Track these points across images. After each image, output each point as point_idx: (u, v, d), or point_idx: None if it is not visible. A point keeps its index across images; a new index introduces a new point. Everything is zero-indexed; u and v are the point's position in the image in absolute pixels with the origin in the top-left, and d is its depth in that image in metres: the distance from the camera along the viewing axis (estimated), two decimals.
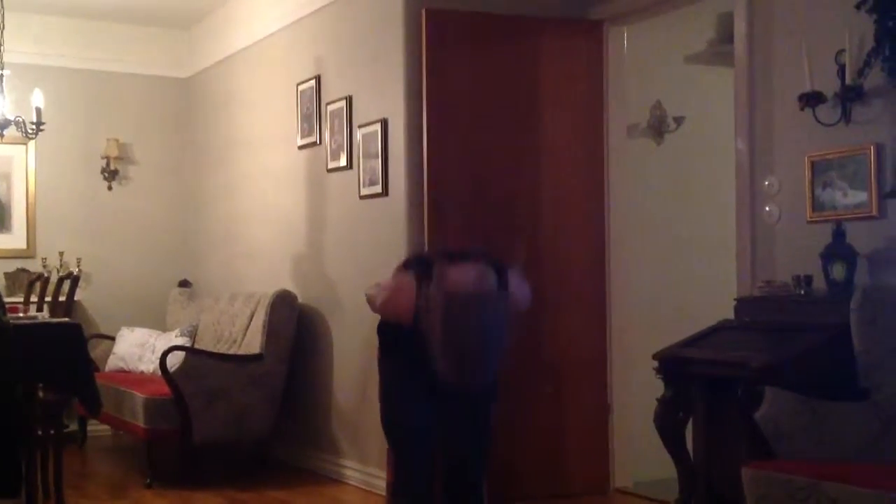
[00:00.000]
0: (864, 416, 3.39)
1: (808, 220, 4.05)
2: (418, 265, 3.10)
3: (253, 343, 5.76)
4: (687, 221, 5.33)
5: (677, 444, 3.94)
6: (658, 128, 5.50)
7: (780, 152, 4.20)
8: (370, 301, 3.25)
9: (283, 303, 5.75)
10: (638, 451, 4.91)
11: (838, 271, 3.77)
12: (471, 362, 2.94)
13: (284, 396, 5.74)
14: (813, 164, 4.04)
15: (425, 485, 3.11)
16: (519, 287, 3.28)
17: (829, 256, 3.81)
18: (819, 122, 3.95)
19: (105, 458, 6.51)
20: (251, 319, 5.90)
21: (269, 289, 5.93)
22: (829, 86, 3.92)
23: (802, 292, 3.88)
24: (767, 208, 4.24)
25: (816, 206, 4.02)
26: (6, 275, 6.88)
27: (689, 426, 4.03)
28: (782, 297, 3.95)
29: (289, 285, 5.96)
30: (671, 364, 3.93)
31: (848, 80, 3.86)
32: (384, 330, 3.30)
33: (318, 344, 5.80)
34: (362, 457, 5.25)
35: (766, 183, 4.24)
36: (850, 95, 3.86)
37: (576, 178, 5.08)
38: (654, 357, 3.98)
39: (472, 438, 3.20)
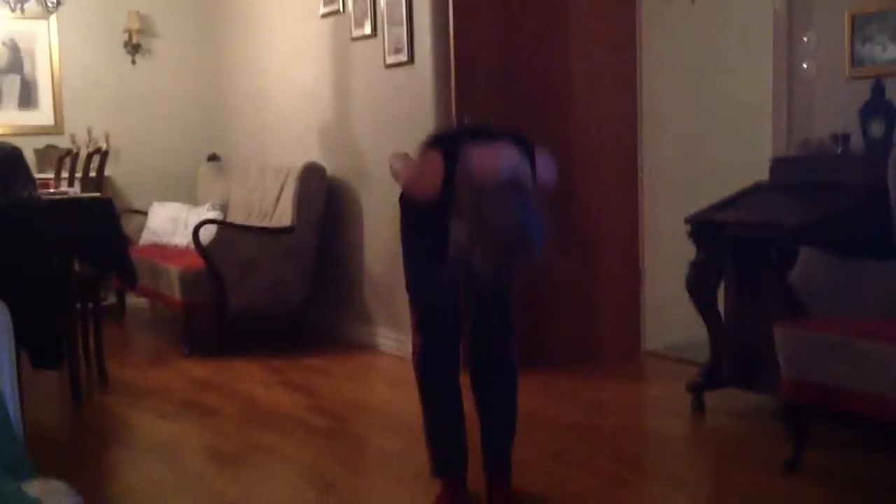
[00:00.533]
0: None
1: (847, 76, 3.94)
2: (445, 142, 2.95)
3: (284, 215, 5.78)
4: (723, 83, 5.18)
5: (709, 307, 3.95)
6: None
7: (819, 7, 4.05)
8: (394, 174, 3.13)
9: (311, 175, 5.74)
10: (669, 314, 4.92)
11: (877, 128, 3.69)
12: (511, 261, 2.86)
13: (317, 267, 5.78)
14: (853, 18, 3.90)
15: (451, 345, 3.07)
16: (545, 167, 3.13)
17: (867, 113, 3.72)
18: None
19: (144, 330, 6.65)
20: (281, 192, 5.90)
21: (297, 161, 5.91)
22: None
23: (840, 150, 3.80)
24: (805, 65, 4.12)
25: (856, 61, 3.90)
26: (36, 151, 6.90)
27: (721, 290, 4.02)
28: (819, 155, 3.88)
29: (317, 157, 5.93)
30: (704, 227, 3.89)
31: None
32: (406, 203, 3.17)
33: (348, 214, 5.81)
34: (395, 324, 5.31)
35: (805, 39, 4.11)
36: None
37: (607, 43, 4.95)
38: (687, 221, 3.94)
39: (498, 313, 3.12)
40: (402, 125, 5.19)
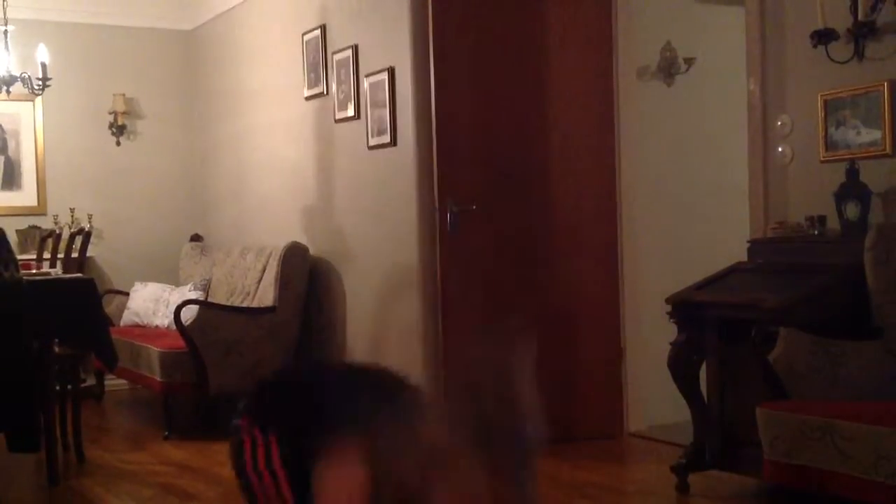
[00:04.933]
0: (878, 355, 3.39)
1: (822, 159, 4.01)
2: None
3: (266, 295, 5.77)
4: (699, 164, 5.29)
5: (691, 387, 3.95)
6: (668, 69, 5.44)
7: (793, 91, 4.15)
8: None
9: (294, 255, 5.75)
10: (651, 394, 4.92)
11: (852, 210, 3.74)
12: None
13: (298, 347, 5.76)
14: (826, 103, 3.98)
15: None
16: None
17: (842, 196, 3.78)
18: (832, 59, 3.90)
19: (123, 412, 6.57)
20: (263, 272, 5.91)
21: (279, 241, 5.93)
22: (842, 22, 3.86)
23: (816, 232, 3.85)
24: (780, 148, 4.20)
25: (830, 145, 3.98)
26: (18, 232, 6.90)
27: (703, 369, 4.03)
28: (795, 237, 3.93)
29: (299, 237, 5.96)
30: (684, 307, 3.91)
31: (860, 17, 3.80)
32: None
33: (330, 295, 5.81)
34: None
35: (779, 123, 4.20)
36: (863, 32, 3.80)
37: (586, 123, 5.04)
38: (667, 301, 3.97)
39: None
40: (385, 206, 5.24)
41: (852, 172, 3.76)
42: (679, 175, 5.26)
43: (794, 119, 4.14)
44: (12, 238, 6.92)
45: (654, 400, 4.91)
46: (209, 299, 6.18)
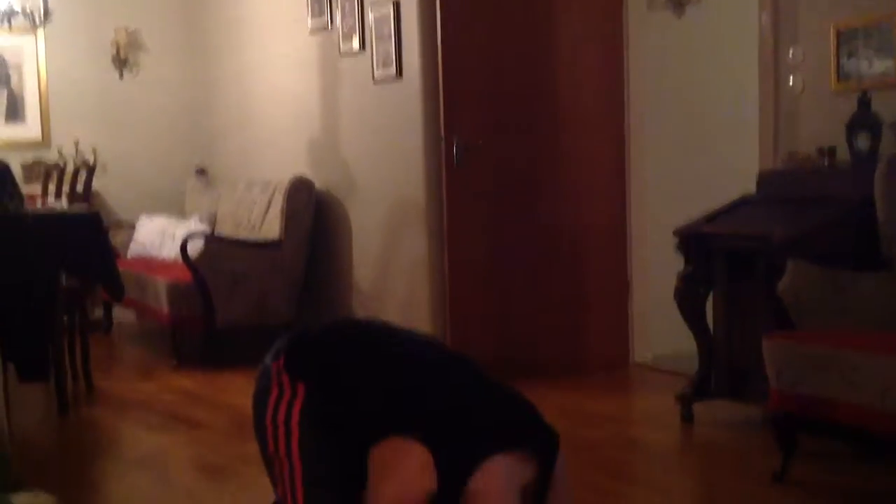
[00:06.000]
0: (886, 287, 3.39)
1: (833, 90, 3.97)
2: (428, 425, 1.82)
3: (272, 229, 5.77)
4: (709, 96, 5.22)
5: (697, 319, 3.96)
6: (679, 0, 5.34)
7: (805, 22, 4.09)
8: None
9: (299, 189, 5.73)
10: (657, 325, 4.93)
11: (863, 141, 3.71)
12: None
13: (305, 280, 5.77)
14: (838, 33, 3.93)
15: None
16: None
17: (853, 126, 3.75)
18: None
19: (131, 343, 6.62)
20: (269, 206, 5.90)
21: (284, 175, 5.91)
22: None
23: (826, 164, 3.83)
24: (791, 79, 4.15)
25: (841, 75, 3.94)
26: (23, 166, 6.87)
27: (710, 301, 4.04)
28: (805, 169, 3.91)
29: (304, 171, 5.93)
30: (692, 239, 3.91)
31: None
32: None
33: (336, 228, 5.81)
34: None
35: (791, 53, 4.14)
36: None
37: (594, 55, 4.98)
38: (675, 233, 3.96)
39: None
40: (390, 140, 5.20)
41: (864, 103, 3.73)
42: (689, 107, 5.20)
43: (805, 50, 4.09)
44: (17, 172, 6.92)
45: (659, 331, 4.93)
46: (215, 232, 6.18)
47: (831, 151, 3.82)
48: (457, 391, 1.89)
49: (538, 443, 1.86)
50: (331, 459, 1.86)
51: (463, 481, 1.74)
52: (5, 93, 7.08)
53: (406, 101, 5.03)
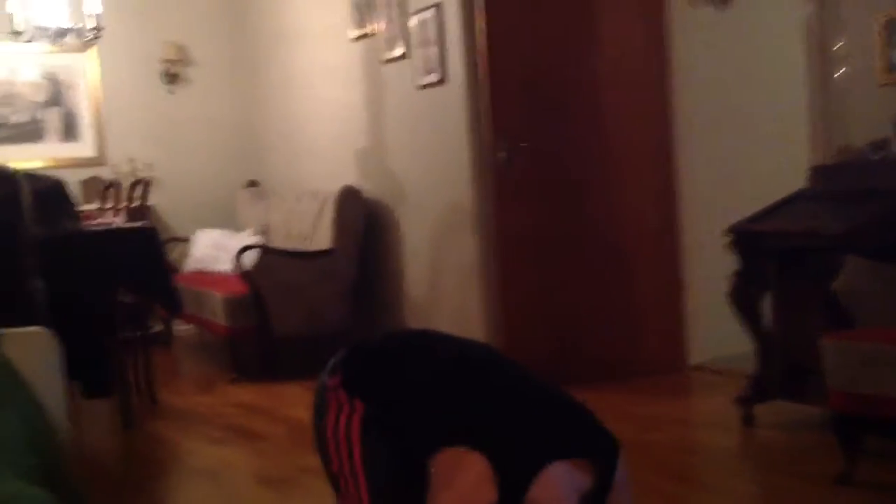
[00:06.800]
0: None
1: (882, 83, 3.91)
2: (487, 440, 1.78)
3: (323, 239, 5.83)
4: (756, 91, 5.16)
5: (753, 319, 3.92)
6: None
7: (851, 13, 4.04)
8: None
9: (349, 198, 5.79)
10: (714, 326, 4.88)
11: None
12: None
13: (357, 290, 5.82)
14: (886, 24, 3.87)
15: None
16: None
17: None
18: None
19: (191, 356, 6.73)
20: (319, 216, 5.96)
21: (333, 184, 5.96)
22: None
23: (878, 157, 3.77)
24: (839, 72, 4.10)
25: (891, 66, 3.87)
26: (80, 183, 7.02)
27: (765, 300, 3.99)
28: (858, 163, 3.85)
29: (352, 180, 5.98)
30: (744, 238, 3.87)
31: None
32: None
33: (386, 236, 5.85)
34: None
35: (837, 46, 4.09)
36: None
37: (638, 53, 4.96)
38: (727, 232, 3.93)
39: None
40: (436, 146, 5.23)
41: None
42: (736, 103, 5.15)
43: (852, 41, 4.03)
44: (74, 189, 7.07)
45: (716, 331, 4.88)
46: (268, 244, 6.26)
47: (883, 144, 3.76)
48: (513, 399, 1.89)
49: (597, 449, 1.84)
50: (394, 471, 1.87)
51: (523, 491, 1.73)
52: (60, 112, 7.24)
53: (450, 105, 5.05)
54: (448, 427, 1.80)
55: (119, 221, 5.52)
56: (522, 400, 1.89)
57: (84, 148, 7.28)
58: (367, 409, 1.90)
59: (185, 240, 7.01)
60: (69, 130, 7.26)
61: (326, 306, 5.69)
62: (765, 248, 3.85)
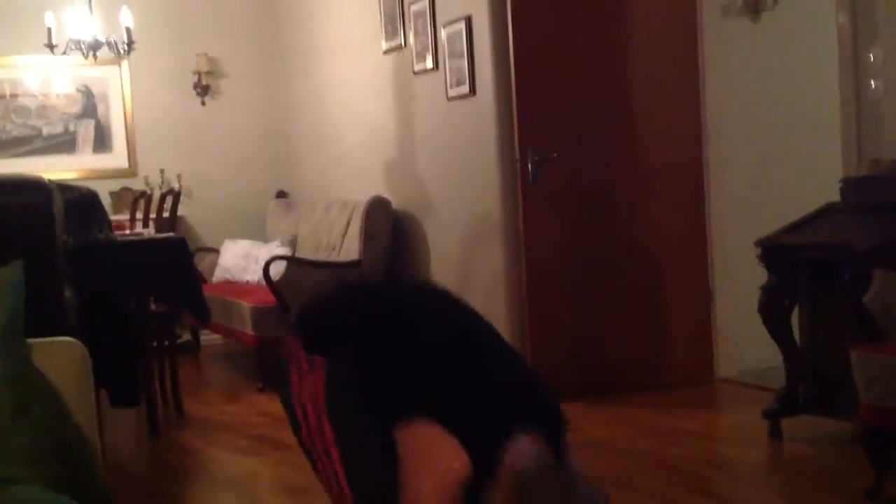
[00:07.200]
0: None
1: None
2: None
3: (351, 249, 5.84)
4: (788, 102, 5.12)
5: (783, 332, 3.88)
6: (755, 5, 5.25)
7: (885, 23, 3.99)
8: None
9: (377, 208, 5.80)
10: (742, 338, 4.84)
11: None
12: None
13: None
14: None
15: None
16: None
17: None
18: None
19: (218, 365, 6.76)
20: (348, 226, 5.97)
21: (362, 195, 5.98)
22: None
23: None
24: (872, 84, 4.05)
25: None
26: (111, 194, 7.09)
27: (795, 313, 3.95)
28: (890, 175, 3.80)
29: (381, 191, 5.99)
30: (774, 251, 3.84)
31: None
32: None
33: (414, 247, 5.85)
34: None
35: (871, 57, 4.04)
36: None
37: (669, 64, 4.93)
38: (757, 244, 3.89)
39: None
40: (465, 157, 5.23)
41: None
42: (767, 114, 5.11)
43: (886, 52, 3.98)
44: (105, 200, 7.13)
45: (744, 344, 4.84)
46: (296, 254, 6.28)
47: None
48: (476, 368, 1.85)
49: (555, 420, 1.84)
50: (362, 429, 1.80)
51: (494, 462, 1.72)
52: (93, 124, 7.32)
53: (480, 117, 5.05)
54: (414, 392, 1.77)
55: (149, 232, 5.57)
56: (485, 369, 1.86)
57: (116, 159, 7.35)
58: (329, 365, 1.82)
59: (215, 250, 7.05)
60: (101, 142, 7.34)
61: None
62: (795, 260, 3.81)
